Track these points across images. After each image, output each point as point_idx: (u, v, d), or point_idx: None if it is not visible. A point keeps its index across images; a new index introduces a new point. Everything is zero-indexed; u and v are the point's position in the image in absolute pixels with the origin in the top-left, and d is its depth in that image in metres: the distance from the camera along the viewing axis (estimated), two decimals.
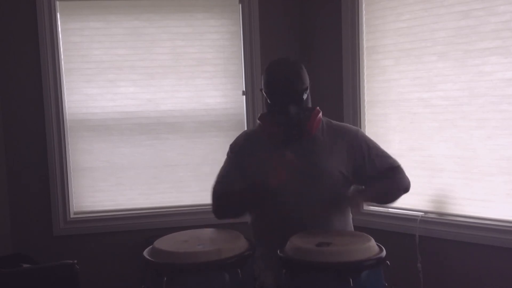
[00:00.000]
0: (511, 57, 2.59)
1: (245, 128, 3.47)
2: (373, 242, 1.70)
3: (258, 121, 2.04)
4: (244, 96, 3.48)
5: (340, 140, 2.00)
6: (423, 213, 2.94)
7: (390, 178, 2.00)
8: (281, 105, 1.90)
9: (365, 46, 3.20)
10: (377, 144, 2.06)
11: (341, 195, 1.97)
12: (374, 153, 2.01)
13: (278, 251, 1.70)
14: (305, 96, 1.93)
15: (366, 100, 3.22)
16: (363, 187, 2.03)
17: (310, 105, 2.00)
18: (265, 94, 1.97)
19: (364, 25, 3.19)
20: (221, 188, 2.02)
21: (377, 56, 3.14)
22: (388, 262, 1.65)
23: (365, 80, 3.21)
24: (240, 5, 3.46)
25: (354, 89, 3.22)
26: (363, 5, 3.17)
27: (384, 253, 1.65)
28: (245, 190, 1.95)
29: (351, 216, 2.09)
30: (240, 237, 1.81)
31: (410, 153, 3.01)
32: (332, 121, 2.09)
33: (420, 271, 2.90)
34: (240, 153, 2.05)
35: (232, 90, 3.50)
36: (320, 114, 1.99)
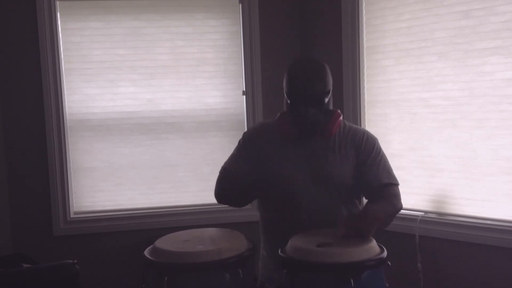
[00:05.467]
0: (511, 57, 2.59)
1: (245, 128, 3.47)
2: (374, 243, 1.70)
3: (276, 118, 2.01)
4: (244, 96, 3.48)
5: (352, 142, 1.98)
6: (423, 213, 2.95)
7: (386, 201, 1.92)
8: (301, 108, 1.87)
9: (365, 46, 3.20)
10: (387, 159, 2.02)
11: (354, 216, 1.91)
12: (379, 161, 1.97)
13: (279, 251, 1.70)
14: (326, 100, 1.90)
15: (366, 100, 3.22)
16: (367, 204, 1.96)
17: (331, 107, 1.97)
18: (285, 94, 1.94)
19: (364, 25, 3.19)
20: (227, 174, 2.03)
21: (377, 56, 3.14)
22: (389, 262, 1.65)
23: (365, 80, 3.21)
24: (240, 5, 3.46)
25: (354, 89, 3.22)
26: (363, 5, 3.17)
27: (385, 253, 1.65)
28: (249, 183, 1.96)
29: None
30: (240, 237, 1.81)
31: (410, 153, 3.01)
32: (352, 124, 2.07)
33: (420, 271, 2.90)
34: (251, 142, 2.05)
35: (232, 90, 3.50)
36: (341, 117, 1.96)
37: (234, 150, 2.10)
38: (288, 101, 1.93)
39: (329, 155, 1.95)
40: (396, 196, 1.95)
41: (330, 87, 1.93)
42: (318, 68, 1.92)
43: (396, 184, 1.98)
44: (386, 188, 1.94)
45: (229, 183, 2.02)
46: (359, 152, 1.97)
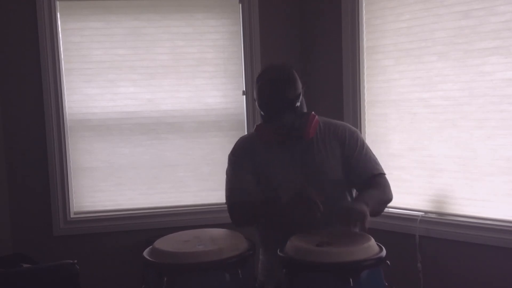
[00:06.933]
0: (511, 57, 2.59)
1: (245, 128, 3.48)
2: (373, 242, 1.70)
3: (254, 131, 2.03)
4: (244, 96, 3.48)
5: (335, 138, 2.00)
6: (423, 213, 2.94)
7: (379, 188, 1.95)
8: (275, 116, 1.88)
9: (365, 46, 3.20)
10: (370, 149, 2.06)
11: (346, 207, 1.88)
12: (364, 152, 2.01)
13: (278, 251, 1.70)
14: (298, 103, 1.91)
15: (366, 100, 3.22)
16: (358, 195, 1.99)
17: (305, 109, 1.98)
18: (257, 106, 1.96)
19: (364, 25, 3.19)
20: (240, 197, 2.00)
21: (377, 56, 3.14)
22: (388, 262, 1.65)
23: (365, 80, 3.21)
24: (240, 5, 3.46)
25: (354, 89, 3.22)
26: (363, 5, 3.17)
27: (384, 252, 1.65)
28: (261, 198, 1.96)
29: None
30: (240, 237, 1.81)
31: (410, 153, 3.01)
32: (331, 120, 2.08)
33: (420, 271, 2.90)
34: (244, 154, 2.05)
35: (232, 90, 3.50)
36: (316, 118, 1.97)
37: (229, 173, 2.07)
38: (262, 113, 1.94)
39: (315, 154, 1.97)
40: (386, 186, 1.99)
41: (300, 90, 1.94)
42: (285, 75, 1.93)
43: (384, 174, 2.03)
44: (375, 178, 1.98)
45: (242, 205, 1.99)
46: (343, 147, 2.00)
